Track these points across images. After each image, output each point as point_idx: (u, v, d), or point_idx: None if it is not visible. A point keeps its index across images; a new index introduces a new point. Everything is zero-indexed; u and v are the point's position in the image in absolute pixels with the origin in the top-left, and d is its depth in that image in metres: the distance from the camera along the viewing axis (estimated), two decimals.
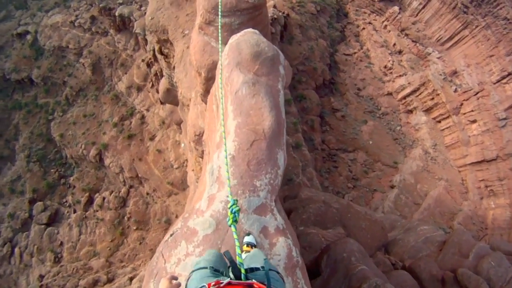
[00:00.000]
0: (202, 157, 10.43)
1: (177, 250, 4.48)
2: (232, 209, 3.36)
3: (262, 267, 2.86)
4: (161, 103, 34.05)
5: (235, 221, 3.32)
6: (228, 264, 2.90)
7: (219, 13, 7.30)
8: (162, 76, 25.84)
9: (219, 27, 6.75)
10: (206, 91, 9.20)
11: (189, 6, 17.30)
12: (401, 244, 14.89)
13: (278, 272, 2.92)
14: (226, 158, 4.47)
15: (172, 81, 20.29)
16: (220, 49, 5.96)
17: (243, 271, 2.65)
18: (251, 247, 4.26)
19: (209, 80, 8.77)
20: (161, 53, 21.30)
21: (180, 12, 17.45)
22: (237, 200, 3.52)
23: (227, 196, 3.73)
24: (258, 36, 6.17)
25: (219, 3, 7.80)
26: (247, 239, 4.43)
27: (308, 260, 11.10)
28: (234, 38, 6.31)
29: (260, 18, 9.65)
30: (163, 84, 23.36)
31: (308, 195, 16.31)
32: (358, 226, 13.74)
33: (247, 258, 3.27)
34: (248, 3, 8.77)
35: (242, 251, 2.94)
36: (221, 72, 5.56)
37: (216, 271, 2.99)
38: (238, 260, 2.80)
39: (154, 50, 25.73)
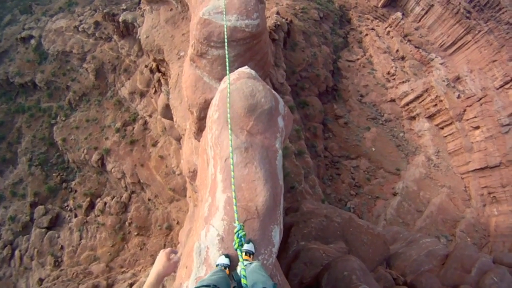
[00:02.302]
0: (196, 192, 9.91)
1: None
2: (238, 234, 3.46)
3: None
4: None
5: (241, 245, 3.41)
6: (235, 285, 2.95)
7: (225, 48, 6.43)
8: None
9: (227, 69, 5.94)
10: (199, 130, 8.39)
11: (185, 25, 16.30)
12: (403, 258, 14.75)
13: None
14: (232, 168, 4.30)
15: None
16: (228, 95, 5.27)
17: None
18: (249, 256, 4.34)
19: (202, 119, 7.97)
20: (158, 70, 20.93)
21: (176, 31, 16.58)
22: (243, 226, 3.59)
23: (234, 222, 3.72)
24: (253, 83, 5.52)
25: (224, 34, 6.87)
26: (246, 246, 4.44)
27: (308, 276, 11.06)
28: (225, 85, 5.65)
29: (259, 46, 8.44)
30: (161, 100, 22.92)
31: (310, 207, 16.22)
32: (360, 241, 13.64)
33: (249, 273, 3.30)
34: (244, 33, 7.60)
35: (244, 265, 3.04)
36: (229, 121, 4.96)
37: None
38: (243, 281, 2.85)
39: None
